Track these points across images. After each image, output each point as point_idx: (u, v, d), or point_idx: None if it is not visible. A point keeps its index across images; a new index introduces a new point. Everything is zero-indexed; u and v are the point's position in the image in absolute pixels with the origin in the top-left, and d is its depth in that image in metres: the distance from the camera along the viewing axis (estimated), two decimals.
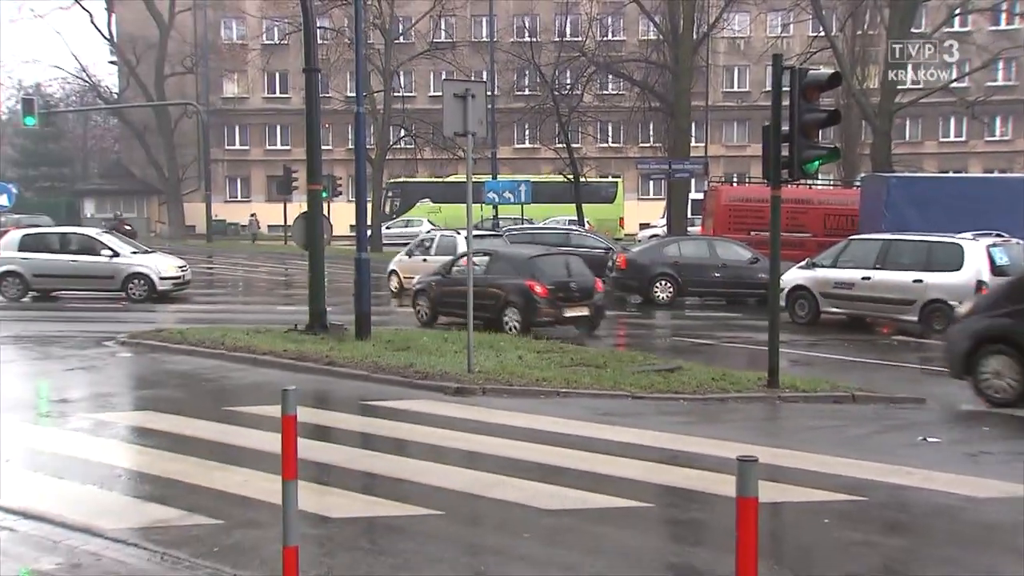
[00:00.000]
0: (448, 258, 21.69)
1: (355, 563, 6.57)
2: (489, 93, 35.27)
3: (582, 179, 41.11)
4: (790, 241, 23.19)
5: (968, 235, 18.87)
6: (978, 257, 18.19)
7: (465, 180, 13.64)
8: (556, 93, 38.56)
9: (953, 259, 18.40)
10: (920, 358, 16.77)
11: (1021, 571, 6.67)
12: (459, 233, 25.08)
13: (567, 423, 10.66)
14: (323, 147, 24.45)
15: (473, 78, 39.23)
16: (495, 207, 38.21)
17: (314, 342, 15.51)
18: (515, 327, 18.11)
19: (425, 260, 25.16)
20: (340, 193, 48.06)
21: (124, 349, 16.35)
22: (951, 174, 43.21)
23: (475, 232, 20.28)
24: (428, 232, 33.28)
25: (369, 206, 33.77)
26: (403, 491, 8.14)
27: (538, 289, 18.14)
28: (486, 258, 19.00)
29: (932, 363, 15.71)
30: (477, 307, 14.68)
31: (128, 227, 47.54)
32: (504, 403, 11.79)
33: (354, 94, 17.18)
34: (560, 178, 42.57)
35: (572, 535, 7.16)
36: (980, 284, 17.80)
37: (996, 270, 18.01)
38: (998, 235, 19.32)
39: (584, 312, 18.72)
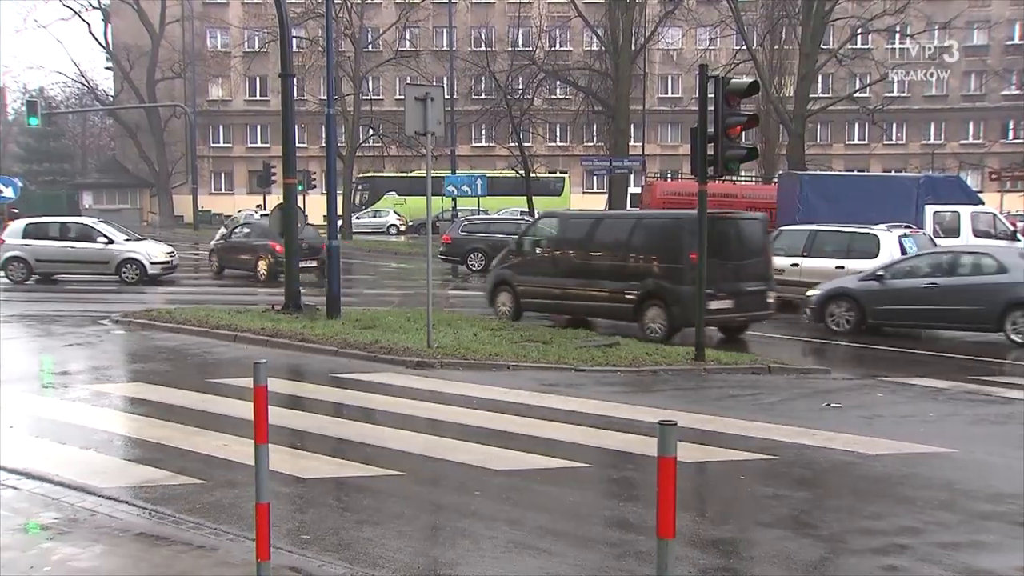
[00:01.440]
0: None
1: (324, 518, 6.55)
2: (448, 97, 35.13)
3: (532, 174, 41.10)
4: None
5: (883, 226, 19.08)
6: (892, 246, 18.41)
7: (426, 174, 13.59)
8: (509, 97, 38.46)
9: (870, 248, 18.58)
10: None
11: (903, 513, 6.83)
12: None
13: (517, 393, 10.68)
14: (298, 145, 24.20)
15: (434, 83, 38.95)
16: (454, 199, 38.13)
17: (289, 321, 15.39)
18: (263, 275, 24.87)
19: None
20: (314, 186, 47.60)
21: (118, 327, 16.11)
22: (855, 173, 43.75)
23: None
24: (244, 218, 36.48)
25: (340, 198, 33.56)
26: (368, 454, 8.12)
27: (277, 248, 22.08)
28: (247, 228, 27.42)
29: (843, 339, 15.96)
30: (243, 261, 26.10)
31: (15, 211, 41.91)
32: (460, 375, 11.79)
33: (327, 97, 17.02)
34: (512, 173, 42.56)
35: (520, 493, 7.19)
36: None
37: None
38: (907, 226, 19.57)
39: (313, 264, 23.57)
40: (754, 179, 35.73)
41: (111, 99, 60.83)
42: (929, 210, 22.92)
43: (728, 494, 7.47)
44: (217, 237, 29.23)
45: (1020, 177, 37.67)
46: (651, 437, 8.14)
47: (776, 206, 25.87)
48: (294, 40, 20.53)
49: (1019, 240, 23.88)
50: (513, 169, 42.22)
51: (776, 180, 30.75)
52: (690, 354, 12.80)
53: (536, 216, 24.52)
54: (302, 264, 19.09)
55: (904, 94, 59.98)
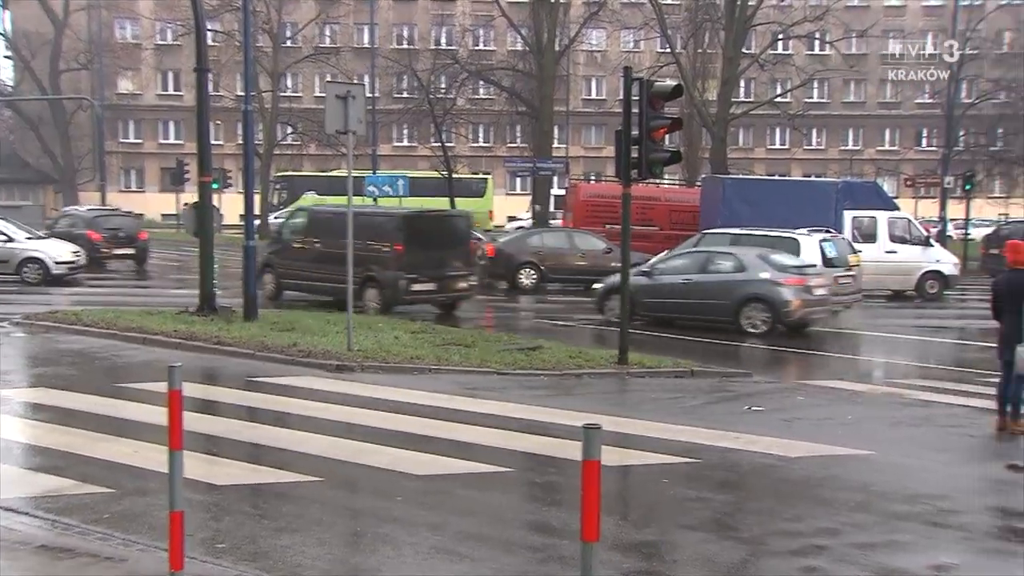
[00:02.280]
0: None
1: (239, 526, 6.43)
2: (369, 95, 34.88)
3: (455, 175, 41.04)
4: (640, 234, 23.62)
5: (804, 231, 19.55)
6: (812, 250, 18.88)
7: (347, 174, 13.47)
8: (432, 96, 38.31)
9: (791, 252, 19.03)
10: (756, 338, 17.29)
11: (821, 515, 7.02)
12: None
13: (438, 397, 10.66)
14: (214, 142, 23.70)
15: (355, 81, 38.66)
16: (375, 200, 37.82)
17: (203, 323, 15.07)
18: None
19: None
20: (230, 185, 46.74)
21: (18, 329, 15.55)
22: (777, 177, 44.86)
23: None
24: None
25: (257, 198, 33.01)
26: (286, 460, 8.00)
27: (94, 236, 26.69)
28: (69, 219, 29.30)
29: (766, 342, 16.32)
30: None
31: None
32: (381, 379, 11.71)
33: (243, 93, 16.72)
34: (435, 174, 42.35)
35: (441, 497, 7.17)
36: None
37: (827, 261, 18.76)
38: (828, 231, 20.08)
39: (130, 252, 27.64)
40: (678, 182, 36.32)
41: (10, 89, 58.68)
42: (848, 215, 23.67)
43: (651, 497, 7.57)
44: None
45: (933, 183, 39.14)
46: (574, 441, 8.21)
47: (699, 209, 26.36)
48: (209, 33, 20.06)
49: (932, 245, 24.82)
50: (435, 170, 42.09)
51: (699, 183, 31.31)
52: (614, 357, 12.93)
53: (294, 210, 26.00)
54: (117, 252, 23.95)
55: (824, 100, 61.71)
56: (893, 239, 23.84)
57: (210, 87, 16.81)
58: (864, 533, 6.68)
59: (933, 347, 17.10)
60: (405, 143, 60.57)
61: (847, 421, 10.55)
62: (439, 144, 39.92)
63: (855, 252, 20.67)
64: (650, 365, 12.90)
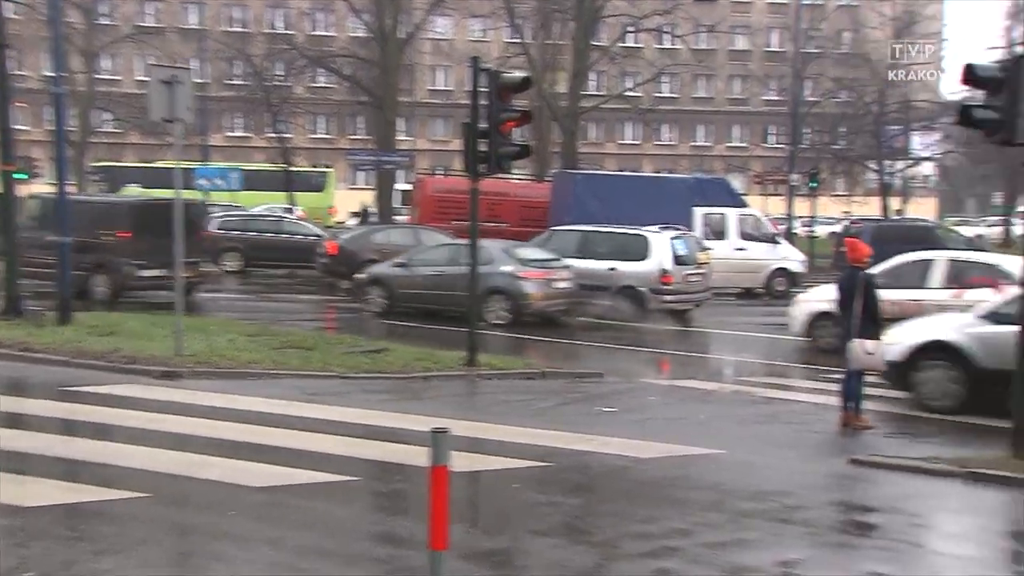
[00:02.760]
0: None
1: (52, 551, 6.13)
2: (198, 80, 33.80)
3: (293, 168, 40.32)
4: (489, 230, 23.80)
5: (654, 228, 20.17)
6: (662, 248, 19.51)
7: (175, 166, 13.02)
8: (267, 84, 37.53)
9: (641, 249, 19.61)
10: (606, 337, 17.77)
11: (673, 516, 7.31)
12: None
13: (276, 403, 10.46)
14: (18, 127, 22.47)
15: (182, 65, 37.41)
16: (206, 193, 36.69)
17: (9, 328, 14.24)
18: None
19: None
20: (39, 175, 44.35)
21: None
22: (628, 173, 46.10)
23: None
24: None
25: (73, 190, 31.44)
26: (107, 476, 7.68)
27: None
28: None
29: (617, 342, 16.76)
30: None
31: None
32: (213, 385, 11.39)
33: (52, 74, 15.89)
34: (272, 166, 41.56)
35: (280, 510, 7.05)
36: (664, 272, 19.15)
37: (677, 259, 19.43)
38: (678, 228, 20.79)
39: None
40: (528, 177, 36.79)
41: None
42: (699, 212, 24.60)
43: (502, 503, 7.67)
44: None
45: (781, 181, 41.01)
46: (422, 447, 8.19)
47: (549, 205, 26.79)
48: (7, 4, 18.91)
49: (779, 242, 26.09)
50: (272, 162, 41.25)
51: (550, 179, 31.83)
52: (463, 359, 13.00)
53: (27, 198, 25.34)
54: None
55: (674, 95, 63.88)
56: (743, 236, 24.92)
57: (10, 65, 15.90)
58: (715, 532, 6.97)
59: (781, 344, 17.96)
60: (239, 133, 59.04)
61: (698, 420, 10.97)
62: (276, 135, 39.13)
63: (705, 250, 21.49)
64: (500, 367, 13.04)
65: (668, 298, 19.38)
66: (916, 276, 15.63)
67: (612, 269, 19.64)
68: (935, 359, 11.34)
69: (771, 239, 25.58)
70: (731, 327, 19.77)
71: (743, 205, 26.48)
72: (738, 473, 8.62)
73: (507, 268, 18.26)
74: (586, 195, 24.80)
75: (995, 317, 11.09)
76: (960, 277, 15.47)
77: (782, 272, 25.18)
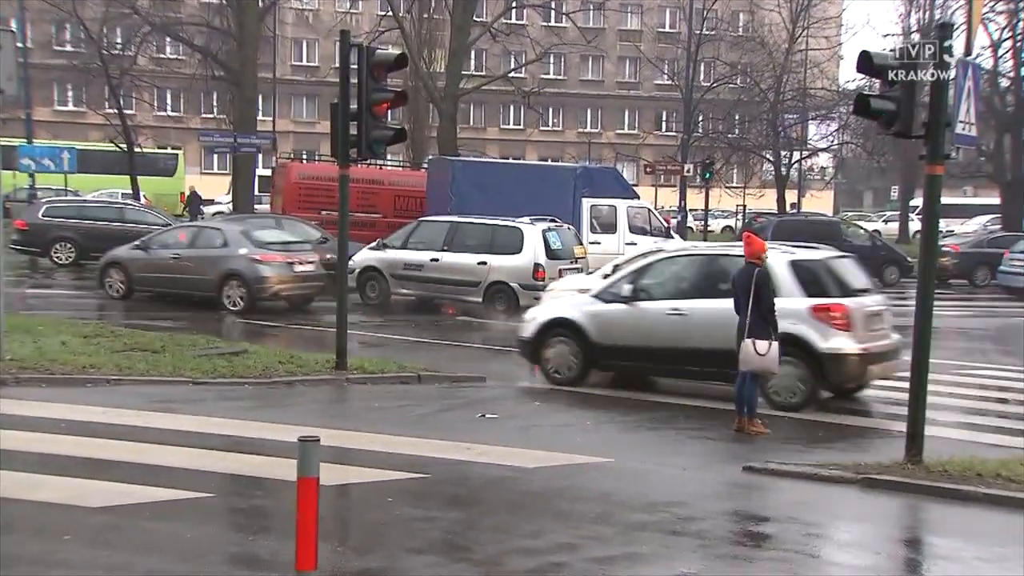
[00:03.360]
0: None
1: None
2: (21, 45, 32.44)
3: (137, 149, 39.15)
4: (361, 221, 23.71)
5: (526, 219, 20.40)
6: (535, 240, 19.74)
7: None
8: (104, 52, 36.26)
9: (514, 242, 19.81)
10: (483, 338, 17.92)
11: (560, 529, 7.41)
12: None
13: (118, 413, 10.18)
14: None
15: (2, 26, 35.87)
16: (32, 175, 35.31)
17: None
18: None
19: None
20: None
21: None
22: (512, 160, 46.40)
23: None
24: None
25: None
26: None
27: None
28: None
29: (494, 342, 16.87)
30: None
31: None
32: (43, 393, 11.01)
33: None
34: (111, 147, 40.20)
35: (122, 533, 6.87)
36: (537, 266, 19.38)
37: (551, 253, 19.69)
38: (552, 220, 21.05)
39: None
40: (402, 164, 36.67)
41: None
42: (586, 203, 24.96)
43: (374, 519, 7.65)
44: None
45: (673, 171, 41.91)
46: (285, 458, 8.17)
47: (426, 194, 26.79)
48: None
49: (672, 236, 26.70)
50: (112, 141, 39.89)
51: (426, 166, 31.79)
52: (331, 362, 12.91)
53: None
54: None
55: (560, 77, 64.60)
56: (633, 230, 25.40)
57: None
58: (604, 546, 7.11)
59: None
60: (71, 107, 57.10)
61: (586, 427, 11.15)
62: (116, 111, 37.91)
63: (581, 243, 21.76)
64: (372, 370, 13.01)
65: (542, 294, 19.64)
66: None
67: (482, 263, 19.78)
68: (559, 335, 13.16)
69: (663, 233, 26.16)
70: None
71: (634, 196, 27.00)
72: (628, 482, 8.81)
73: (244, 251, 19.11)
74: (465, 183, 24.91)
75: (603, 297, 13.11)
76: None
77: None
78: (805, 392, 11.86)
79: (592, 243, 24.40)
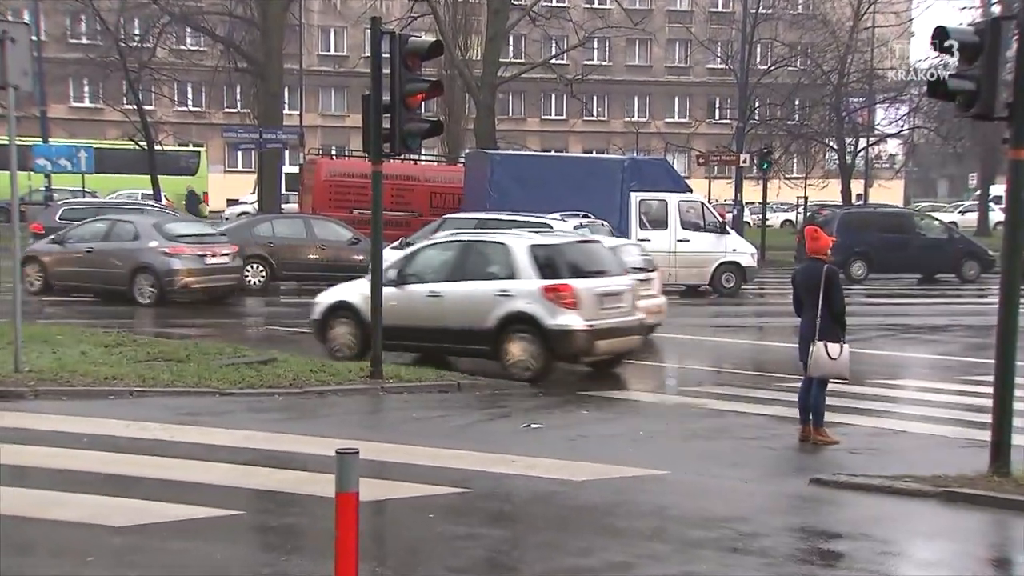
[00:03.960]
0: None
1: None
2: (35, 39, 32.94)
3: (157, 147, 39.60)
4: (395, 220, 23.84)
5: (556, 216, 20.37)
6: None
7: (8, 142, 12.68)
8: (122, 44, 36.70)
9: None
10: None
11: (612, 547, 7.39)
12: None
13: (142, 426, 10.30)
14: None
15: (11, 18, 36.40)
16: (47, 176, 35.82)
17: None
18: None
19: None
20: None
21: None
22: (554, 153, 46.43)
23: None
24: None
25: None
26: None
27: None
28: None
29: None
30: None
31: None
32: (63, 407, 11.16)
33: None
34: (130, 145, 40.71)
35: (148, 554, 6.95)
36: None
37: None
38: (584, 216, 20.96)
39: None
40: (437, 159, 36.82)
41: None
42: (635, 198, 24.91)
43: (414, 536, 7.68)
44: None
45: (728, 161, 41.66)
46: (320, 473, 8.22)
47: (463, 190, 26.87)
48: None
49: (728, 233, 26.55)
50: (131, 139, 40.41)
51: (463, 160, 31.90)
52: (365, 370, 12.98)
53: None
54: None
55: (605, 63, 64.44)
56: (685, 226, 25.30)
57: None
58: (660, 565, 7.09)
59: (728, 349, 18.30)
60: (87, 104, 57.87)
61: (637, 437, 11.12)
62: (135, 107, 38.39)
63: (645, 243, 21.65)
64: (409, 378, 13.08)
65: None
66: None
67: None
68: (341, 316, 14.70)
69: (718, 229, 26.01)
70: (673, 329, 20.02)
71: (686, 190, 26.89)
72: (684, 496, 8.77)
73: (153, 244, 20.34)
74: (505, 178, 24.94)
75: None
76: None
77: (731, 266, 25.63)
78: (538, 365, 13.54)
79: (641, 240, 24.32)
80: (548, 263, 13.93)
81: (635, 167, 26.24)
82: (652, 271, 17.69)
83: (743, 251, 26.17)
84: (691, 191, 27.40)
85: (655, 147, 56.89)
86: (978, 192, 54.09)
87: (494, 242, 14.76)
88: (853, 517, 8.51)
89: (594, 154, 49.33)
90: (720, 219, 27.18)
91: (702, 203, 26.85)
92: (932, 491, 8.87)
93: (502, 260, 14.15)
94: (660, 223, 25.08)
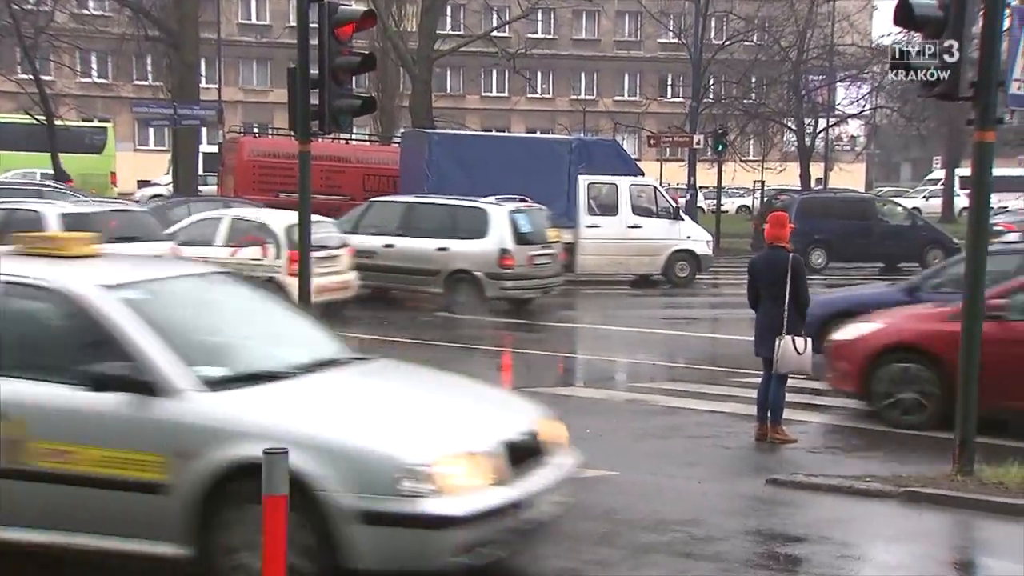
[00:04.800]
0: None
1: None
2: None
3: (58, 121, 38.98)
4: (326, 205, 23.73)
5: (491, 199, 20.48)
6: (502, 223, 19.84)
7: None
8: (15, 7, 36.04)
9: (478, 225, 19.87)
10: (457, 336, 17.89)
11: (559, 553, 7.41)
12: None
13: None
14: None
15: None
16: None
17: None
18: None
19: None
20: None
21: None
22: (496, 133, 46.42)
23: None
24: None
25: None
26: None
27: None
28: None
29: (470, 340, 16.95)
30: None
31: None
32: None
33: None
34: (26, 119, 40.01)
35: None
36: (504, 252, 19.45)
37: (520, 237, 19.77)
38: (521, 199, 21.10)
39: None
40: (370, 138, 36.71)
41: None
42: (583, 181, 25.05)
43: None
44: None
45: (681, 143, 41.97)
46: None
47: (399, 172, 26.83)
48: None
49: (683, 219, 26.82)
50: (27, 112, 39.74)
51: (399, 140, 31.83)
52: None
53: None
54: None
55: (550, 36, 64.62)
56: (637, 211, 25.51)
57: None
58: (608, 571, 7.19)
59: (682, 343, 18.53)
60: None
61: (585, 435, 11.18)
62: (31, 77, 37.74)
63: (554, 226, 21.83)
64: None
65: (509, 284, 19.71)
66: (207, 234, 18.24)
67: (443, 249, 19.84)
68: None
69: (671, 215, 26.25)
70: (623, 322, 20.24)
71: (638, 173, 27.10)
72: (635, 497, 8.89)
73: None
74: (445, 160, 24.94)
75: None
76: (237, 236, 18.14)
77: (685, 255, 25.88)
78: None
79: (590, 227, 24.51)
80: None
81: (583, 148, 26.36)
82: (341, 247, 18.52)
83: (698, 238, 26.48)
84: (643, 174, 27.63)
85: (603, 127, 57.16)
86: (937, 177, 54.88)
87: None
88: (812, 519, 8.68)
89: (539, 134, 49.40)
90: (673, 204, 27.46)
91: (654, 187, 27.11)
92: (894, 491, 9.05)
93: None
94: (610, 208, 25.28)
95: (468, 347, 16.83)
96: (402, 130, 34.99)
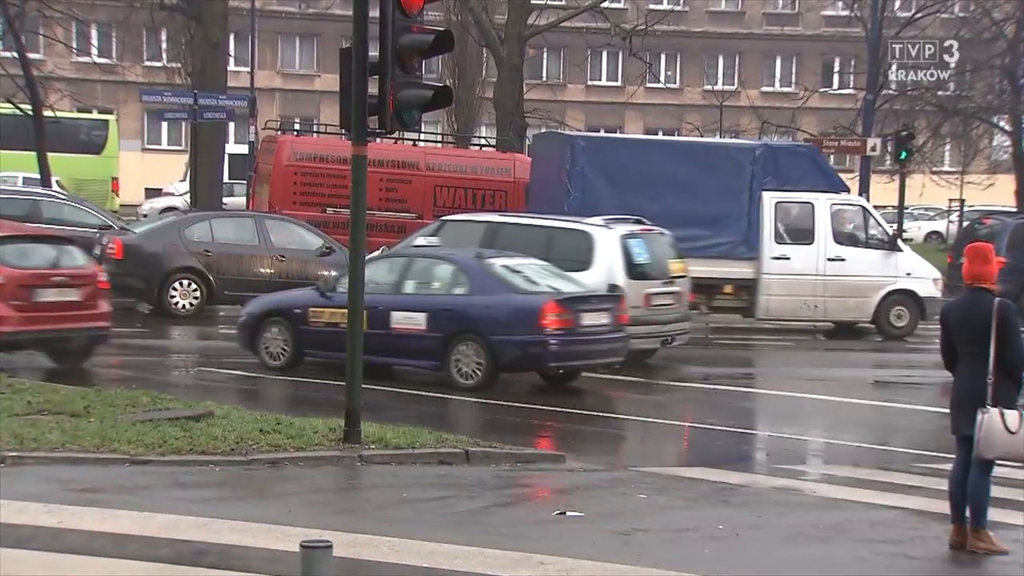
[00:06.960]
0: None
1: None
2: None
3: (48, 112, 39.84)
4: (386, 224, 23.97)
5: (599, 220, 20.42)
6: (611, 250, 19.91)
7: None
8: None
9: (580, 253, 19.86)
10: (556, 397, 17.88)
11: None
12: None
13: (20, 508, 10.30)
14: None
15: None
16: None
17: None
18: None
19: None
20: None
21: None
22: (660, 138, 46.20)
23: None
24: None
25: None
26: None
27: None
28: None
29: (576, 403, 16.91)
30: None
31: None
32: None
33: None
34: (9, 108, 40.95)
35: None
36: (613, 288, 19.36)
37: (633, 270, 19.83)
38: (638, 221, 20.97)
39: None
40: (442, 139, 36.80)
41: None
42: (769, 199, 24.77)
43: None
44: None
45: (851, 149, 41.33)
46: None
47: (527, 187, 26.81)
48: None
49: (901, 250, 26.29)
50: (9, 101, 40.66)
51: (480, 142, 31.94)
52: (336, 430, 13.03)
53: None
54: None
55: (679, 7, 64.48)
56: (840, 239, 25.24)
57: None
58: None
59: (886, 416, 18.28)
60: None
61: (717, 534, 11.10)
62: (15, 55, 38.64)
63: (681, 257, 21.56)
64: (398, 443, 13.13)
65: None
66: None
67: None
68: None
69: (887, 244, 25.82)
70: (799, 384, 20.07)
71: (842, 188, 26.77)
72: None
73: None
74: (592, 172, 24.83)
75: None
76: None
77: (903, 297, 25.54)
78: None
79: (777, 258, 24.29)
80: None
81: (770, 157, 25.96)
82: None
83: (921, 275, 26.01)
84: (847, 190, 27.37)
85: (747, 127, 56.79)
86: None
87: None
88: None
89: (715, 140, 48.80)
90: (889, 231, 27.03)
91: (864, 208, 26.76)
92: None
93: None
94: (804, 235, 25.05)
95: (563, 411, 16.80)
96: (537, 132, 34.85)
